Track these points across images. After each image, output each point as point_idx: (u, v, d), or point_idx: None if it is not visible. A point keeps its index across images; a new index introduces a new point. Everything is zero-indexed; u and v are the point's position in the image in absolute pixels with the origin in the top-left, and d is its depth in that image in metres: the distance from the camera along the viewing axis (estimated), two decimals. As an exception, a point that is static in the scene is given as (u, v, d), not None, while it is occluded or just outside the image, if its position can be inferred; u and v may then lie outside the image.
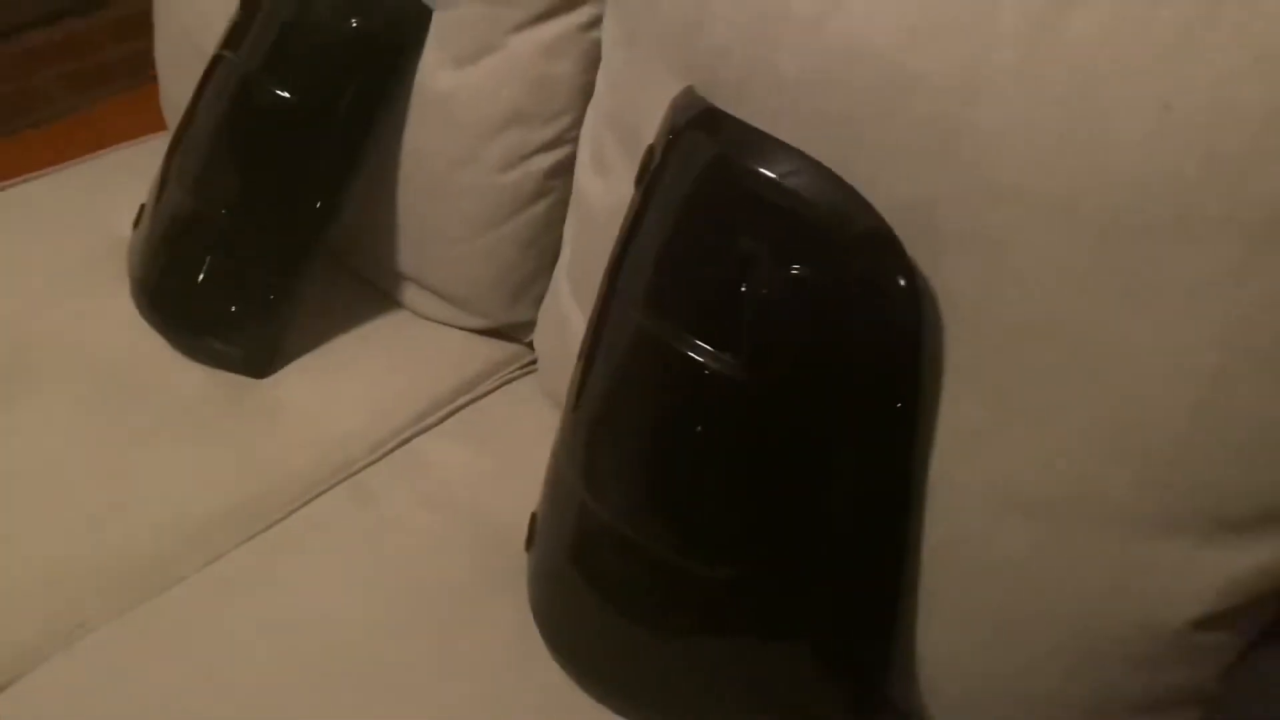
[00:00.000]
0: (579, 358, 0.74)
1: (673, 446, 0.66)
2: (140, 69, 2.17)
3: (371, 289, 1.11)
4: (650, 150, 0.70)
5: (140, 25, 2.10)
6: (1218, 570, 0.55)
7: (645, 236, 0.68)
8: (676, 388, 0.66)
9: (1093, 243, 0.55)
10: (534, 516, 0.80)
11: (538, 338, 1.01)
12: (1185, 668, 0.57)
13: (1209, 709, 0.58)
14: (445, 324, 1.07)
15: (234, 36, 1.02)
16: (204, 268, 1.02)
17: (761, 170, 0.63)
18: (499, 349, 1.06)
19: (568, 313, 0.93)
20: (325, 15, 0.97)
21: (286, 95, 0.96)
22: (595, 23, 0.90)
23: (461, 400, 1.01)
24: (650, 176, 0.68)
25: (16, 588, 0.83)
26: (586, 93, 0.93)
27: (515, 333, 1.07)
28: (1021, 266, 0.57)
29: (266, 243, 1.00)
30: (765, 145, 0.63)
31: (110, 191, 1.25)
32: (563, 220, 0.98)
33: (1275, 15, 0.49)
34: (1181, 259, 0.52)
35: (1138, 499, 0.56)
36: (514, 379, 1.04)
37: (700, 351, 0.64)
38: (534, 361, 1.06)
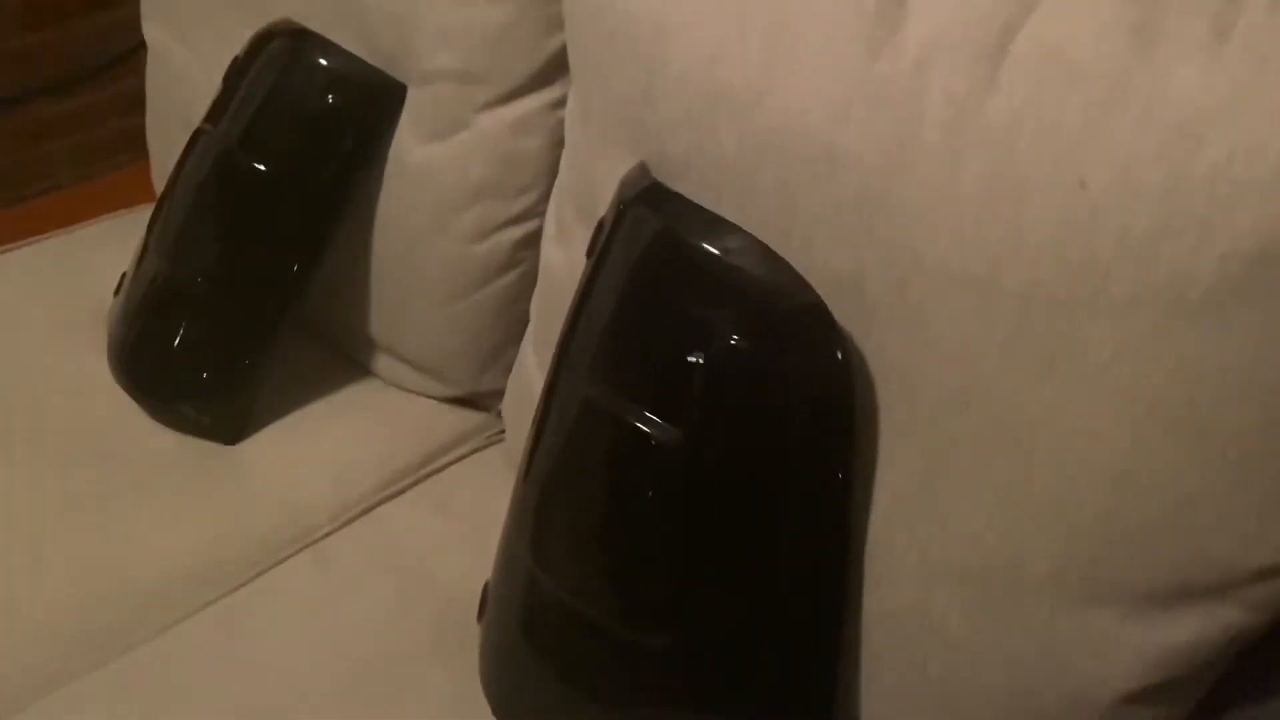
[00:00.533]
0: (531, 428, 0.75)
1: (615, 515, 0.67)
2: (142, 143, 2.23)
3: (341, 356, 1.12)
4: (601, 223, 0.72)
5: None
6: (1145, 644, 0.55)
7: (593, 308, 0.69)
8: (619, 456, 0.66)
9: (1011, 316, 0.56)
10: (486, 586, 0.80)
11: (506, 407, 1.02)
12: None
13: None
14: (415, 392, 1.08)
15: (215, 111, 1.05)
16: (178, 335, 1.04)
17: (703, 246, 0.65)
18: (468, 418, 1.07)
19: (533, 382, 0.94)
20: (302, 91, 1.00)
21: (262, 168, 0.99)
22: (563, 101, 0.93)
23: (428, 468, 1.02)
24: (599, 249, 0.70)
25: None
26: (554, 168, 0.95)
27: (484, 401, 1.08)
28: (944, 338, 0.58)
29: (241, 311, 1.01)
30: (707, 222, 0.65)
31: (96, 259, 1.28)
32: (530, 292, 1.00)
33: (1179, 100, 0.51)
34: (1096, 333, 0.53)
35: (1061, 570, 0.56)
36: (482, 448, 1.05)
37: (643, 420, 0.65)
38: (502, 431, 1.06)
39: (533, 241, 0.98)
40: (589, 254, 0.73)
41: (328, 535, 0.94)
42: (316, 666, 0.81)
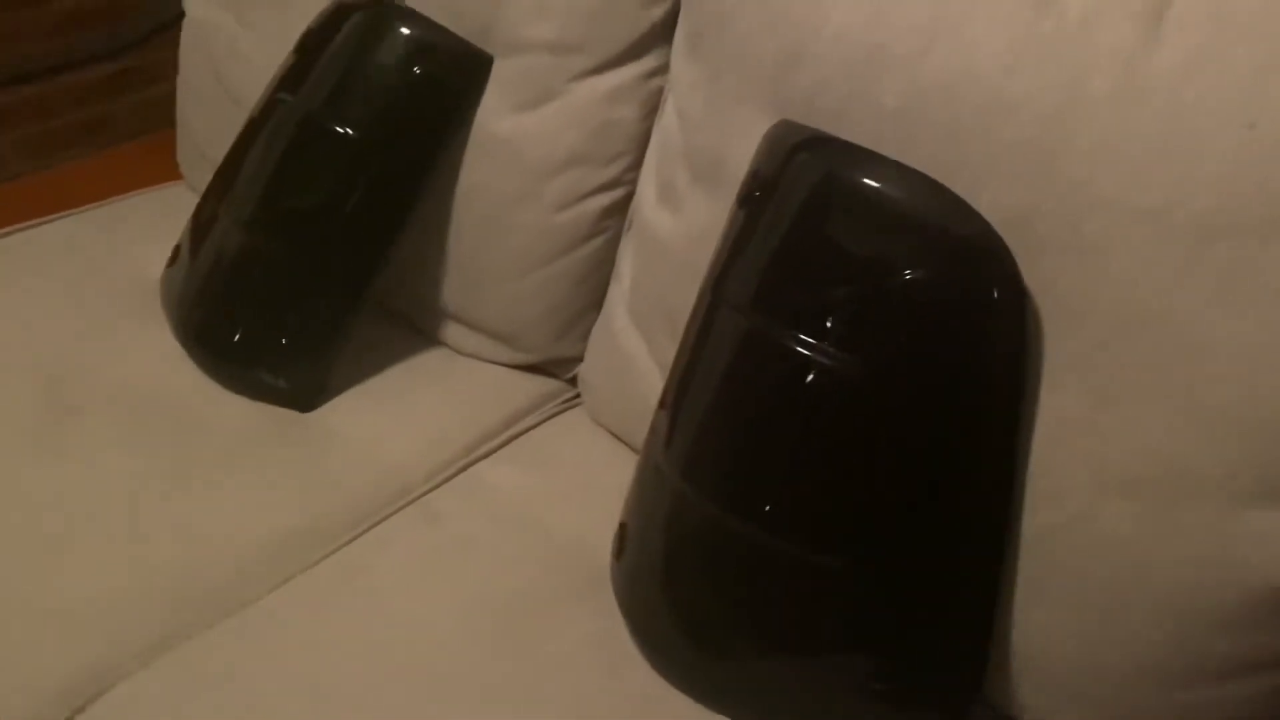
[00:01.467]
0: (675, 366, 0.78)
1: (783, 439, 0.71)
2: (99, 133, 2.17)
3: (407, 326, 1.13)
4: (754, 174, 0.76)
5: (100, 90, 2.11)
6: (1311, 534, 0.61)
7: (755, 247, 0.73)
8: (787, 383, 0.70)
9: (1186, 245, 0.62)
10: (622, 526, 0.83)
11: (586, 370, 1.05)
12: (1278, 632, 0.63)
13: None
14: (487, 360, 1.10)
15: (291, 81, 1.06)
16: (257, 301, 1.03)
17: (872, 183, 0.69)
18: (542, 383, 1.10)
19: (624, 342, 0.98)
20: (388, 61, 1.01)
21: (349, 132, 1.00)
22: (657, 71, 0.97)
23: (512, 430, 1.03)
24: (758, 194, 0.74)
25: (93, 609, 0.82)
26: (645, 136, 0.99)
27: (556, 369, 1.10)
28: (1119, 269, 0.64)
29: (323, 277, 1.02)
30: (875, 162, 0.70)
31: (128, 234, 1.26)
32: (612, 258, 1.03)
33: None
34: (1268, 256, 0.60)
35: (1233, 473, 0.62)
36: (558, 412, 1.07)
37: (811, 347, 0.69)
38: (573, 396, 1.09)
39: (618, 209, 1.02)
40: (741, 202, 0.77)
41: (428, 493, 0.95)
42: (446, 613, 0.83)
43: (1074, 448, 0.67)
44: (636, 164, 0.99)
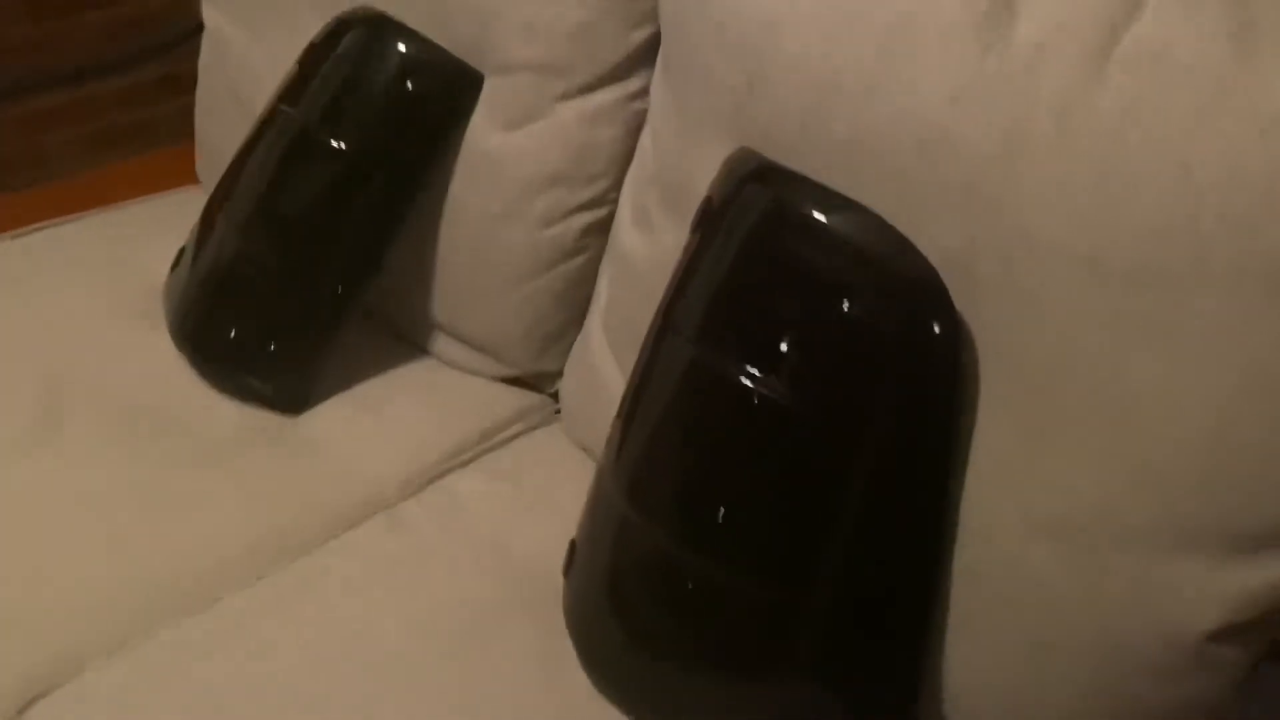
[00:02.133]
0: (627, 389, 0.79)
1: (722, 468, 0.72)
2: (143, 136, 2.24)
3: (396, 336, 1.15)
4: (708, 200, 0.76)
5: (145, 94, 2.17)
6: (1231, 586, 0.60)
7: (702, 276, 0.74)
8: (727, 413, 0.71)
9: (1117, 292, 0.62)
10: (573, 544, 0.84)
11: (565, 385, 1.06)
12: (1202, 678, 0.62)
13: (1220, 722, 0.63)
14: (471, 372, 1.12)
15: (291, 93, 1.09)
16: (248, 307, 1.06)
17: (818, 216, 0.70)
18: (523, 396, 1.11)
19: (598, 360, 0.99)
20: (383, 76, 1.04)
21: (341, 146, 1.02)
22: (641, 93, 0.98)
23: (489, 443, 1.05)
24: (709, 222, 0.75)
25: (61, 602, 0.85)
26: (627, 157, 1.00)
27: (539, 382, 1.11)
28: (1053, 313, 0.64)
29: (312, 284, 1.04)
30: (821, 195, 0.70)
31: (140, 237, 1.30)
32: (594, 276, 1.04)
33: (1277, 106, 0.58)
34: (1198, 304, 0.59)
35: (1157, 522, 0.61)
36: (538, 425, 1.09)
37: (751, 379, 0.69)
38: (556, 411, 1.10)
39: (600, 228, 1.03)
40: (694, 228, 0.77)
41: (399, 502, 0.97)
42: (398, 622, 0.84)
43: (1005, 487, 0.66)
44: (618, 184, 1.01)
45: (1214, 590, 0.61)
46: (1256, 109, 0.58)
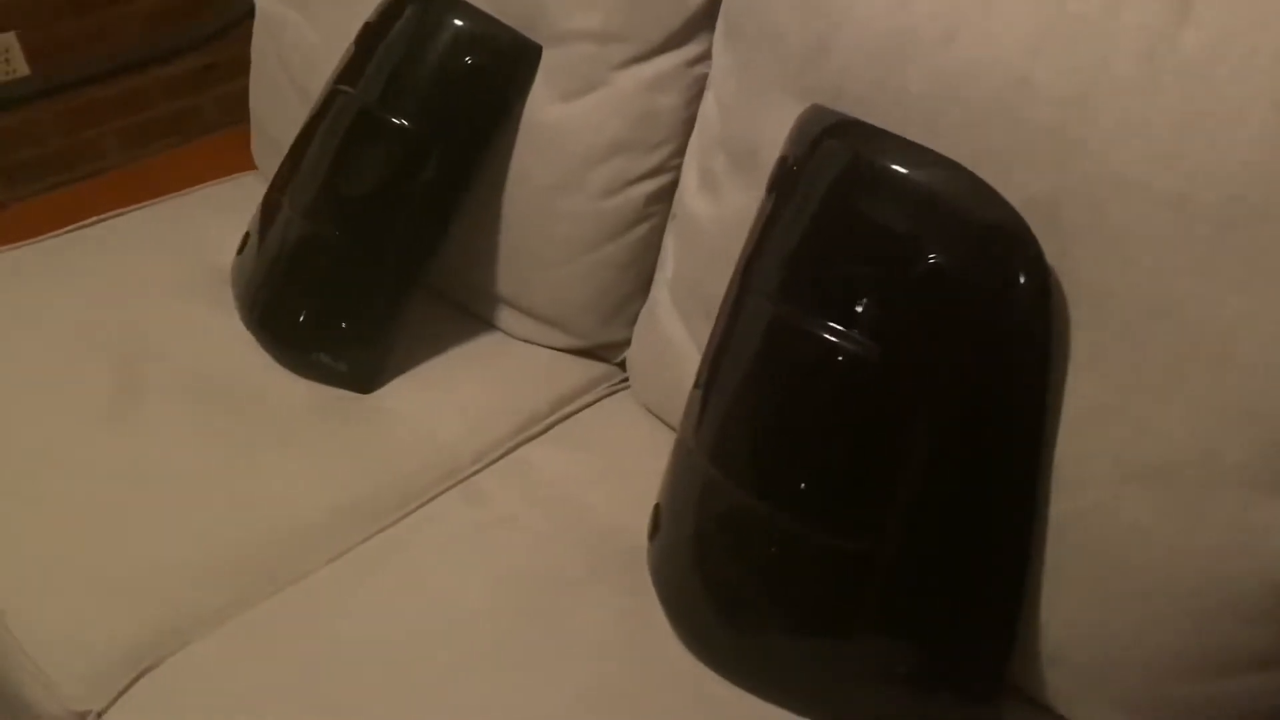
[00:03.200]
0: (706, 352, 0.80)
1: (809, 425, 0.72)
2: (188, 125, 2.27)
3: (461, 311, 1.17)
4: (783, 159, 0.76)
5: (189, 84, 2.19)
6: (1333, 524, 0.60)
7: (781, 234, 0.74)
8: (813, 368, 0.71)
9: (1210, 230, 0.61)
10: (657, 508, 0.85)
11: (633, 353, 1.07)
12: (1301, 621, 0.62)
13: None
14: (537, 344, 1.13)
15: (350, 73, 1.09)
16: (318, 286, 1.08)
17: (898, 168, 0.69)
18: (590, 367, 1.12)
19: (667, 326, 0.99)
20: (441, 52, 1.04)
21: (404, 123, 1.03)
22: (700, 58, 0.98)
23: (560, 413, 1.06)
24: (786, 181, 0.75)
25: (160, 577, 0.87)
26: (688, 124, 1.00)
27: (603, 353, 1.12)
28: (1142, 254, 0.63)
29: (380, 262, 1.06)
30: (901, 147, 0.70)
31: (202, 223, 1.32)
32: (658, 244, 1.05)
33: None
34: (1295, 241, 0.59)
35: (1255, 462, 0.61)
36: (605, 395, 1.10)
37: (837, 333, 0.69)
38: (622, 380, 1.11)
39: (663, 195, 1.03)
40: (770, 189, 0.77)
41: (474, 474, 0.98)
42: (485, 588, 0.86)
43: (1097, 435, 0.66)
44: (680, 151, 1.01)
45: (1318, 529, 0.60)
46: (1351, 42, 0.57)
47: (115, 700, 0.81)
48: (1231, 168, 0.60)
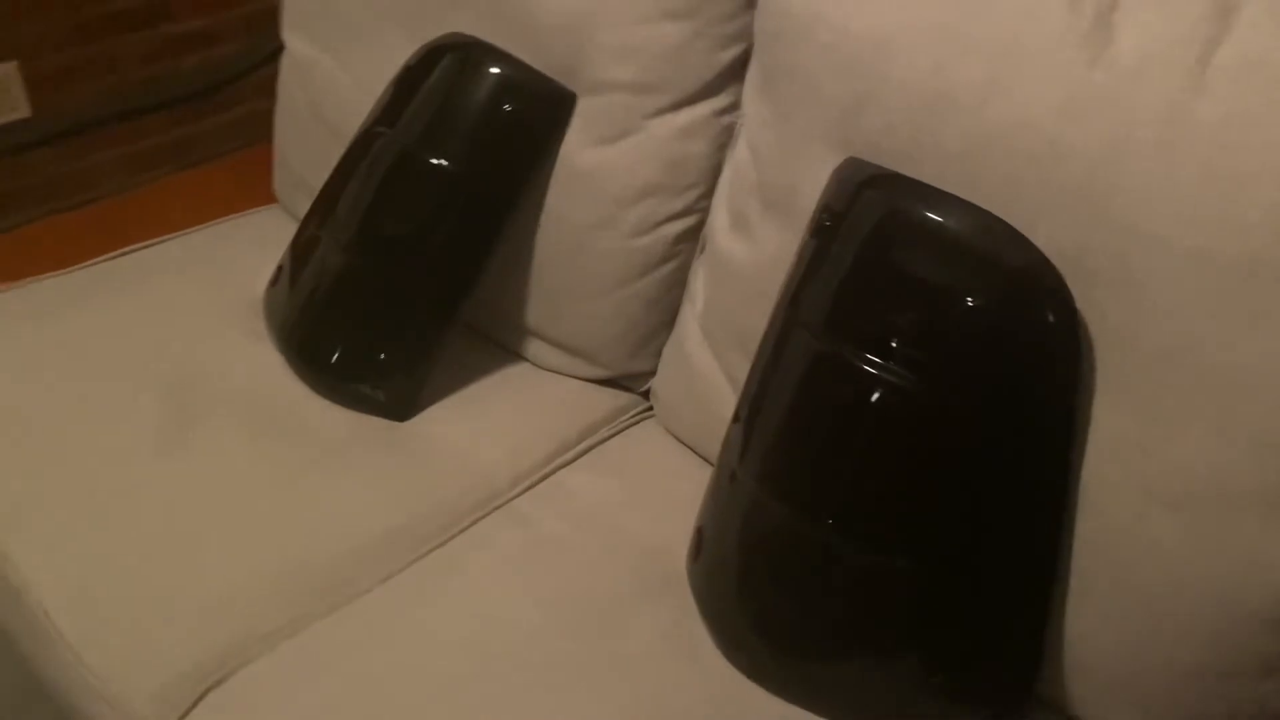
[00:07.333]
0: (748, 381, 0.86)
1: (852, 450, 0.78)
2: (186, 153, 2.29)
3: (491, 342, 1.22)
4: (825, 207, 0.83)
5: (188, 113, 2.22)
6: (1338, 543, 0.67)
7: (825, 275, 0.80)
8: (856, 398, 0.77)
9: (1225, 281, 0.68)
10: (699, 530, 0.90)
11: (659, 382, 1.12)
12: (1312, 630, 0.69)
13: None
14: (565, 374, 1.18)
15: (388, 115, 1.15)
16: (358, 319, 1.12)
17: (935, 217, 0.76)
18: (616, 397, 1.17)
19: (695, 357, 1.05)
20: (480, 98, 1.10)
21: (445, 164, 1.09)
22: (729, 109, 1.04)
23: (591, 440, 1.11)
24: (829, 227, 0.81)
25: (220, 598, 0.91)
26: (716, 169, 1.06)
27: (630, 382, 1.18)
28: (1161, 300, 0.70)
29: (419, 297, 1.10)
30: (938, 198, 0.77)
31: (229, 255, 1.36)
32: (684, 281, 1.11)
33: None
34: (1301, 291, 0.66)
35: (1267, 489, 0.68)
36: (633, 423, 1.15)
37: (878, 367, 0.76)
38: (646, 409, 1.17)
39: (690, 235, 1.09)
40: (812, 234, 0.84)
41: (515, 498, 1.03)
42: (535, 607, 0.90)
43: (1122, 463, 0.73)
44: (708, 193, 1.07)
45: (1325, 550, 0.67)
46: (1351, 116, 0.65)
47: (184, 716, 0.84)
48: (1248, 226, 0.67)
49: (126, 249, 1.34)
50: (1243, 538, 0.69)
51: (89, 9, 2.03)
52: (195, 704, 0.85)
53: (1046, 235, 0.74)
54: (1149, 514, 0.72)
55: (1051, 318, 0.73)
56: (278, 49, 1.38)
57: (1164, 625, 0.73)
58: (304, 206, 1.26)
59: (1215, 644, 0.71)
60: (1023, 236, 0.74)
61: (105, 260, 1.33)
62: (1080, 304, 0.74)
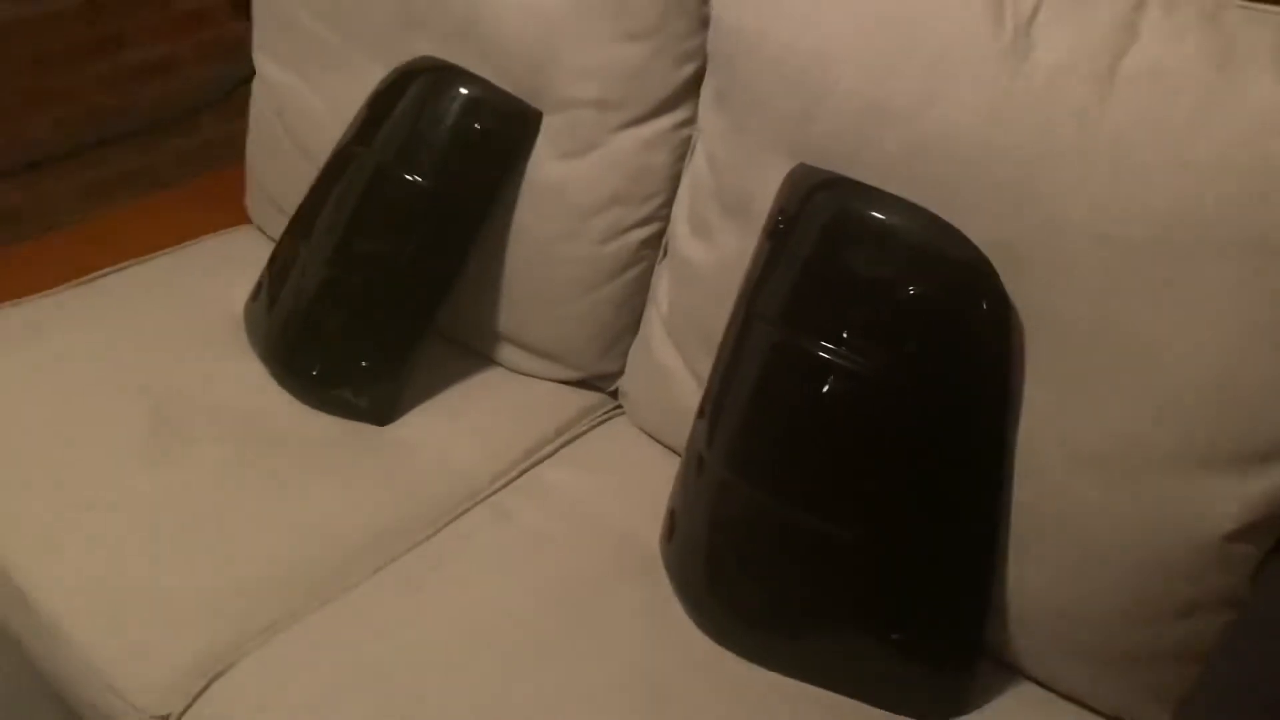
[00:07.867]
0: (714, 370, 0.93)
1: (812, 430, 0.85)
2: (141, 181, 2.32)
3: (462, 349, 1.28)
4: (779, 209, 0.90)
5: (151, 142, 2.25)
6: (1245, 494, 0.75)
7: (781, 271, 0.88)
8: (811, 382, 0.85)
9: (1134, 263, 0.77)
10: (671, 512, 0.97)
11: (627, 381, 1.19)
12: (1221, 575, 0.77)
13: (1240, 609, 0.78)
14: (538, 377, 1.24)
15: (363, 134, 1.21)
16: (339, 329, 1.18)
17: (879, 216, 0.84)
18: (586, 396, 1.24)
19: (661, 355, 1.12)
20: (452, 117, 1.16)
21: (419, 180, 1.15)
22: (686, 122, 1.12)
23: (564, 437, 1.17)
24: (782, 227, 0.89)
25: (216, 596, 0.96)
26: (676, 179, 1.14)
27: (599, 383, 1.24)
28: (1083, 284, 0.79)
29: (398, 305, 1.16)
30: (881, 198, 0.85)
31: (205, 273, 1.40)
32: (648, 285, 1.18)
33: (1254, 104, 0.73)
34: (1205, 270, 0.74)
35: (1179, 448, 0.76)
36: (603, 420, 1.22)
37: (831, 352, 0.83)
38: (615, 406, 1.23)
39: (653, 241, 1.17)
40: (768, 235, 0.91)
41: (495, 493, 1.09)
42: (520, 592, 0.96)
43: (1051, 430, 0.81)
44: (669, 202, 1.14)
45: (1227, 499, 0.76)
46: (1237, 113, 0.74)
47: (191, 703, 0.89)
48: (1153, 212, 0.76)
49: (97, 273, 1.38)
50: (1158, 495, 0.77)
51: (46, 39, 2.05)
52: (202, 691, 0.89)
53: (979, 229, 0.82)
54: (1076, 476, 0.80)
55: (985, 304, 0.81)
56: (244, 78, 1.43)
57: (1095, 579, 0.81)
58: (278, 224, 1.31)
59: (1140, 592, 0.79)
60: (958, 231, 0.82)
61: (79, 284, 1.36)
62: (1010, 290, 0.82)
